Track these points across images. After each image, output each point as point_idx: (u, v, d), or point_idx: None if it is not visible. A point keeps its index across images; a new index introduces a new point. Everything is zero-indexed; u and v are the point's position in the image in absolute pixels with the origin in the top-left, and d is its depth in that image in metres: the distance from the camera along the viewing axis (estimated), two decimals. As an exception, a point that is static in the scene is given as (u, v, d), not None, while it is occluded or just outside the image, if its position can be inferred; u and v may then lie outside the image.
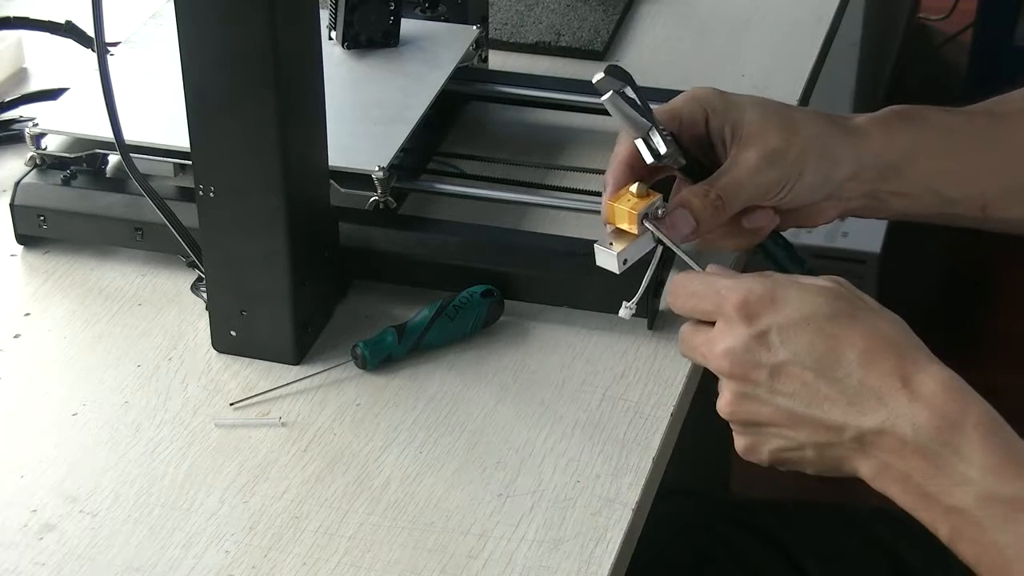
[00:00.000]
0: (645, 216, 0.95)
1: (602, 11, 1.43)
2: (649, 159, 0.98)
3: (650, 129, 0.97)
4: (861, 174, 1.00)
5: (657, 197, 0.96)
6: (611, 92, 0.96)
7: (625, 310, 0.98)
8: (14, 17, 1.32)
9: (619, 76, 0.98)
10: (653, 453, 0.97)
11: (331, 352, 1.05)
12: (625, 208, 0.95)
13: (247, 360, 1.05)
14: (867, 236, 2.36)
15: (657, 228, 0.95)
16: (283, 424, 1.00)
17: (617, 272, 0.96)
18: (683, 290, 0.89)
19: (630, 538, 0.93)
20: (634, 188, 0.95)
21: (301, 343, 1.04)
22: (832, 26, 1.44)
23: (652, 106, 1.00)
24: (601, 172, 1.18)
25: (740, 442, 0.88)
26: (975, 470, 0.78)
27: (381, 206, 1.11)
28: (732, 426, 0.88)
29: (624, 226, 0.95)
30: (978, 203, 1.04)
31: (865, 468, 0.83)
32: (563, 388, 1.02)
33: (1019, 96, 1.07)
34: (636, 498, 0.94)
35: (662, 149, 0.97)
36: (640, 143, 0.98)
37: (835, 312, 0.84)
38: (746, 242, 1.03)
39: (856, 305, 0.85)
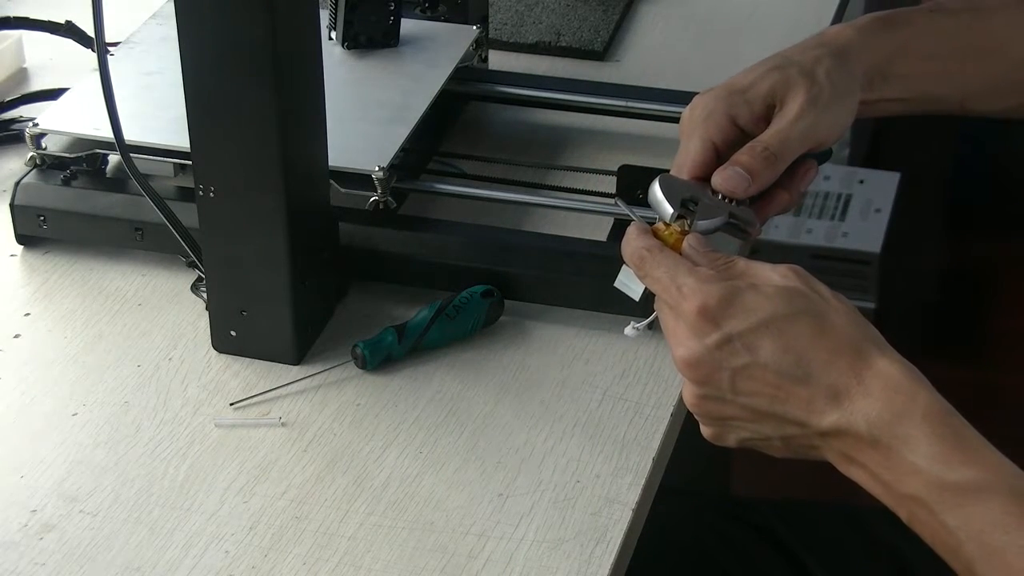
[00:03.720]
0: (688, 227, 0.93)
1: (602, 11, 1.43)
2: (746, 237, 0.97)
3: (727, 216, 0.95)
4: (864, 87, 1.02)
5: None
6: (695, 223, 0.93)
7: (632, 329, 0.95)
8: (14, 17, 1.32)
9: (674, 188, 0.94)
10: (653, 453, 0.97)
11: (331, 352, 1.05)
12: (669, 231, 0.92)
13: (247, 360, 1.05)
14: (867, 236, 2.36)
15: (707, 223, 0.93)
16: (283, 424, 1.00)
17: (636, 299, 0.94)
18: (645, 267, 0.89)
19: (630, 538, 0.93)
20: (676, 226, 0.92)
21: (301, 343, 1.04)
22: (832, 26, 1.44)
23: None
24: (601, 172, 1.18)
25: (706, 431, 0.89)
26: (923, 460, 0.80)
27: (381, 206, 1.11)
28: (697, 417, 0.89)
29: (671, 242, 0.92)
30: (958, 98, 1.07)
31: (830, 456, 0.85)
32: (563, 388, 1.02)
33: None
34: (636, 498, 0.94)
35: (752, 221, 0.96)
36: (731, 232, 0.96)
37: (793, 313, 0.85)
38: (799, 200, 1.03)
39: (811, 301, 0.86)
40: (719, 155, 0.98)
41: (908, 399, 0.82)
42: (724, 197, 0.96)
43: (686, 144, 0.99)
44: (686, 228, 0.92)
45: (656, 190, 0.94)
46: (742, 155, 0.96)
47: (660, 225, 0.93)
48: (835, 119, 1.00)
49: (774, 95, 0.99)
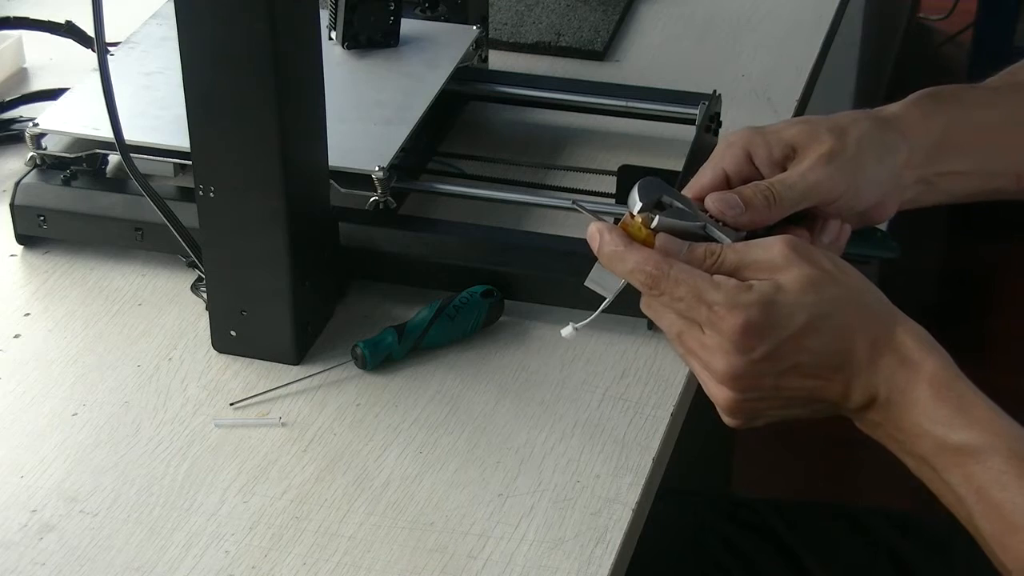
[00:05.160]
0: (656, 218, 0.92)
1: (602, 11, 1.43)
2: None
3: (704, 227, 0.93)
4: (912, 159, 1.01)
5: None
6: (657, 217, 0.91)
7: (571, 330, 0.94)
8: (14, 17, 1.32)
9: (652, 188, 0.93)
10: (653, 453, 0.97)
11: (331, 352, 1.05)
12: (633, 224, 0.91)
13: (247, 360, 1.05)
14: (867, 236, 2.35)
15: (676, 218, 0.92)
16: (283, 424, 1.00)
17: (611, 298, 0.93)
18: (662, 286, 0.88)
19: (630, 538, 0.93)
20: (640, 217, 0.91)
21: (301, 343, 1.04)
22: (832, 26, 1.44)
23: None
24: (601, 172, 1.18)
25: (732, 422, 0.90)
26: (928, 422, 0.85)
27: (381, 206, 1.11)
28: (727, 415, 0.89)
29: (642, 236, 0.91)
30: (1014, 173, 1.06)
31: (856, 421, 0.89)
32: (563, 388, 1.02)
33: None
34: (636, 498, 0.94)
35: (727, 239, 0.94)
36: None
37: (823, 304, 0.86)
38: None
39: (831, 283, 0.87)
40: (729, 186, 0.97)
41: (917, 366, 0.86)
42: (712, 215, 0.94)
43: (702, 170, 0.99)
44: (649, 221, 0.90)
45: (636, 185, 0.93)
46: (745, 188, 0.96)
47: (627, 218, 0.91)
48: (854, 182, 0.98)
49: (796, 143, 0.98)
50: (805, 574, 1.20)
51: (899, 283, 2.41)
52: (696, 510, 1.27)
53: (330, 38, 1.26)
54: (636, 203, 0.92)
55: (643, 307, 0.91)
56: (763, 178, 0.97)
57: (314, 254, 1.04)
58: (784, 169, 0.98)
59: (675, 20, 1.45)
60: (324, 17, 1.21)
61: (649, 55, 1.40)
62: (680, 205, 0.93)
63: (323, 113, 1.03)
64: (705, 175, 0.98)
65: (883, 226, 1.08)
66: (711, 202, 0.94)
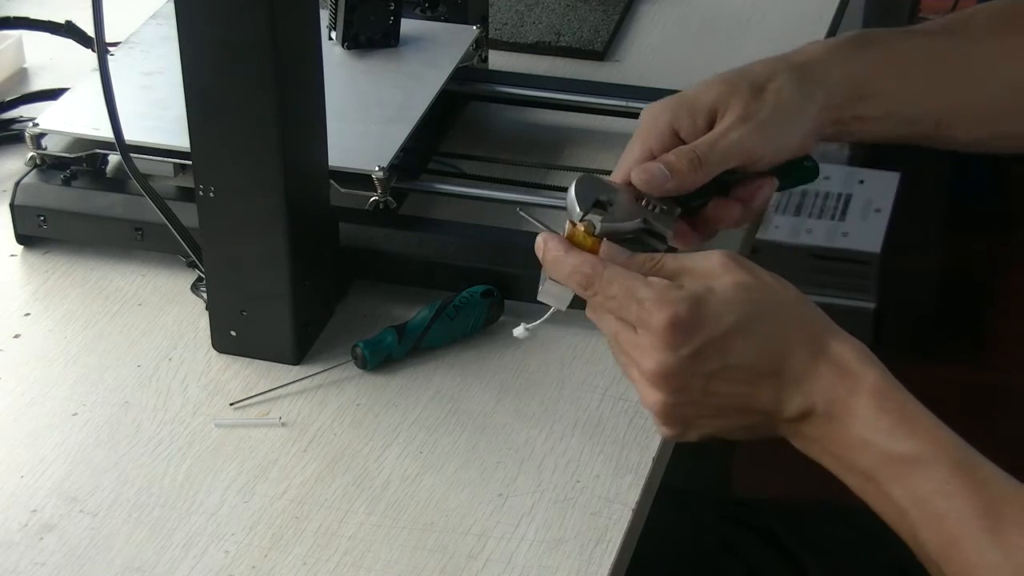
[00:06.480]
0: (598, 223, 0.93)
1: (602, 11, 1.43)
2: (663, 248, 0.95)
3: (643, 221, 0.95)
4: (829, 102, 1.02)
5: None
6: (599, 223, 0.92)
7: (523, 330, 0.97)
8: (14, 17, 1.32)
9: (588, 190, 0.94)
10: (653, 453, 0.97)
11: (331, 352, 1.05)
12: (575, 231, 0.92)
13: (247, 360, 1.05)
14: (867, 236, 2.36)
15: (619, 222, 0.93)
16: (283, 424, 1.00)
17: (563, 309, 0.94)
18: (595, 286, 0.89)
19: (630, 538, 0.93)
20: (582, 225, 0.92)
21: (301, 343, 1.04)
22: (832, 26, 1.44)
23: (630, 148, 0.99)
24: (601, 172, 1.18)
25: (667, 432, 0.90)
26: (870, 433, 0.84)
27: (381, 206, 1.11)
28: (658, 421, 0.90)
29: (588, 244, 0.92)
30: (932, 121, 1.06)
31: (789, 436, 0.89)
32: (563, 388, 1.02)
33: (982, 15, 1.09)
34: (636, 498, 0.94)
35: (667, 232, 0.95)
36: (651, 241, 0.95)
37: (755, 310, 0.87)
38: (754, 216, 1.04)
39: (765, 292, 0.88)
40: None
41: (857, 377, 0.85)
42: (647, 204, 0.96)
43: (628, 149, 1.00)
44: (592, 228, 0.91)
45: (571, 189, 0.94)
46: (668, 155, 0.98)
47: (569, 227, 0.92)
48: (774, 137, 1.00)
49: (716, 105, 1.00)
50: (804, 574, 1.20)
51: (899, 283, 2.42)
52: (696, 510, 1.27)
53: (330, 38, 1.26)
54: (575, 209, 0.93)
55: (587, 313, 0.92)
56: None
57: (314, 254, 1.04)
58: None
59: (675, 20, 1.45)
60: (324, 17, 1.21)
61: (649, 55, 1.40)
62: (619, 199, 0.94)
63: (323, 113, 1.03)
64: (632, 153, 0.99)
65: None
66: (636, 175, 0.96)
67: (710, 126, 1.00)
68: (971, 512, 0.81)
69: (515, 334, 0.97)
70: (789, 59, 1.03)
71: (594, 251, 0.91)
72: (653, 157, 0.99)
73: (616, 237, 0.93)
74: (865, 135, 1.06)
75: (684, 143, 0.99)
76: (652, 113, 1.01)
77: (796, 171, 1.04)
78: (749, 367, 0.86)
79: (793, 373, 0.86)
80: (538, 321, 0.97)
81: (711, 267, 0.88)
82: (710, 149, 0.98)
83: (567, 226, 0.93)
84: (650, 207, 0.96)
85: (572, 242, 0.92)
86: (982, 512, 0.81)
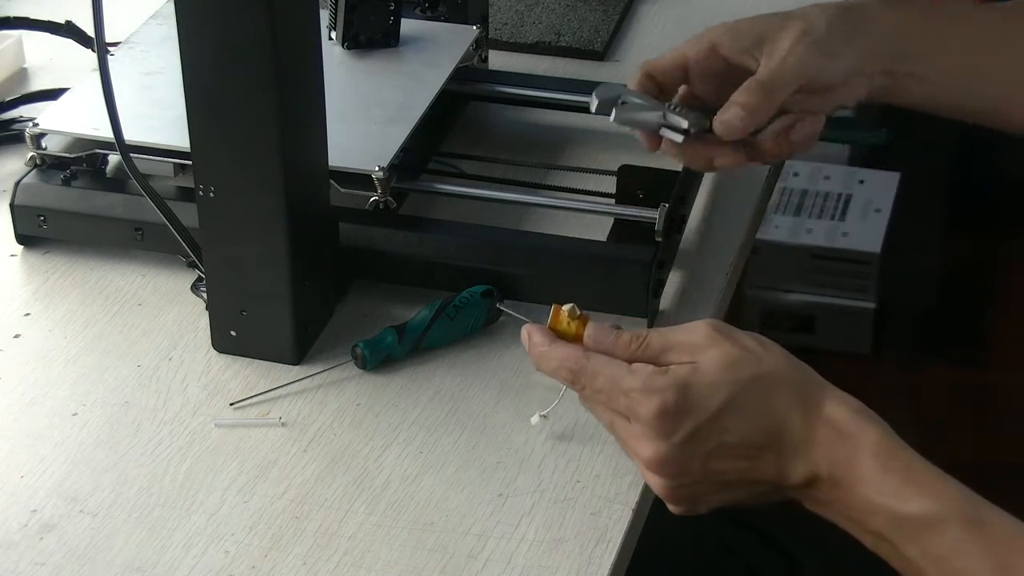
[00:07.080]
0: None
1: (602, 11, 1.43)
2: (679, 139, 0.98)
3: (664, 112, 0.98)
4: (879, 47, 1.02)
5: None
6: (613, 112, 0.97)
7: (538, 418, 0.97)
8: (14, 17, 1.32)
9: (610, 89, 1.00)
10: (653, 453, 0.97)
11: (331, 352, 1.05)
12: (565, 320, 0.92)
13: (247, 360, 1.05)
14: (867, 236, 2.36)
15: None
16: (283, 424, 1.00)
17: (559, 397, 0.96)
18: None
19: (630, 538, 0.93)
20: (566, 309, 0.91)
21: (301, 343, 1.04)
22: (832, 26, 1.44)
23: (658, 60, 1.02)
24: (601, 172, 1.18)
25: (676, 509, 0.90)
26: (878, 495, 0.83)
27: (381, 206, 1.11)
28: (668, 503, 0.90)
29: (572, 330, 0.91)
30: (992, 97, 1.06)
31: (803, 501, 0.89)
32: (563, 388, 1.02)
33: None
34: (636, 498, 0.94)
35: (683, 124, 0.98)
36: (665, 132, 0.99)
37: (743, 384, 0.86)
38: (800, 150, 1.03)
39: (751, 362, 0.86)
40: (687, 74, 1.01)
41: (857, 438, 0.84)
42: (670, 105, 0.99)
43: (663, 54, 1.02)
44: (575, 313, 0.91)
45: (593, 94, 1.00)
46: (738, 94, 0.98)
47: (554, 312, 0.92)
48: (833, 55, 1.00)
49: (764, 33, 1.01)
50: (804, 575, 1.20)
51: (899, 283, 2.42)
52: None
53: (330, 38, 1.26)
54: (594, 102, 0.98)
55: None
56: (726, 70, 1.01)
57: (314, 254, 1.04)
58: (752, 57, 1.00)
59: (675, 20, 1.45)
60: (324, 17, 1.21)
61: (649, 55, 1.39)
62: (638, 100, 0.98)
63: (323, 113, 1.03)
64: (665, 57, 1.01)
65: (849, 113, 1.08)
66: (719, 125, 0.97)
67: (753, 48, 1.00)
68: (987, 569, 0.81)
69: (532, 422, 0.98)
70: (837, 3, 1.03)
71: (579, 336, 0.91)
72: (685, 61, 1.00)
73: (633, 125, 0.99)
74: (918, 98, 1.05)
75: (724, 60, 1.01)
76: (699, 35, 1.03)
77: (854, 126, 1.05)
78: (745, 442, 0.85)
79: (792, 442, 0.85)
80: (552, 405, 0.97)
81: (696, 341, 0.87)
82: (772, 74, 0.98)
83: (551, 311, 0.92)
84: (670, 106, 0.99)
85: (556, 331, 0.91)
86: (998, 568, 0.81)
